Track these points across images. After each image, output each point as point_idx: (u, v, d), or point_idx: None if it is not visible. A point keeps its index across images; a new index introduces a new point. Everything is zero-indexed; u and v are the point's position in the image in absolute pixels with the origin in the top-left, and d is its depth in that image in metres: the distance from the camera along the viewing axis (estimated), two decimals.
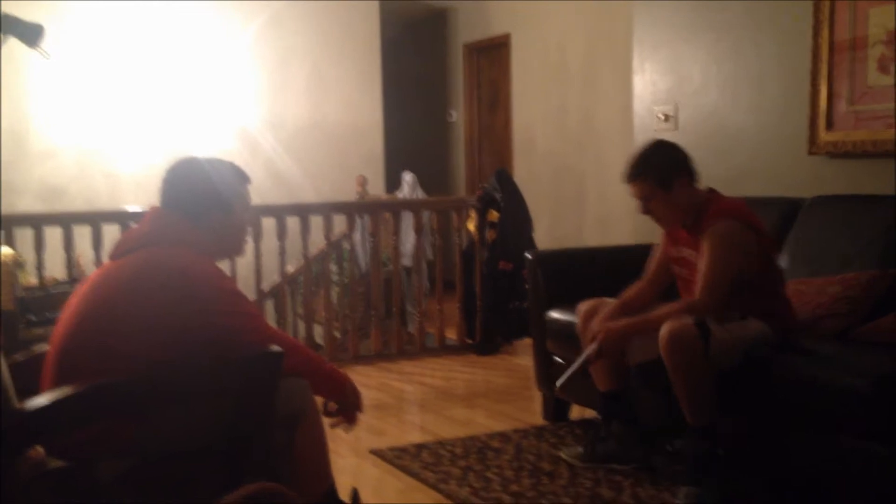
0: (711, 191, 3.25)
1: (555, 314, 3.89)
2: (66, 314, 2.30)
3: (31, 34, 3.92)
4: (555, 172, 7.40)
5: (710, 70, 4.73)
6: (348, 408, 2.51)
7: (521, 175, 7.34)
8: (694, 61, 4.82)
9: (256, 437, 2.16)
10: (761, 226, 3.17)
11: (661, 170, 3.19)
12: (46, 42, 3.97)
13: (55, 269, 5.22)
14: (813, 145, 4.12)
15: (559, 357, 3.91)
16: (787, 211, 3.81)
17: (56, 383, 2.17)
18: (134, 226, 2.44)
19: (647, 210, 3.24)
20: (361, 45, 7.91)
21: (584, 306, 3.46)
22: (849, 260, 3.43)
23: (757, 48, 4.45)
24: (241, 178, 2.52)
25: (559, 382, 3.21)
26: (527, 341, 4.86)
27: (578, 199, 7.12)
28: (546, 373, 4.04)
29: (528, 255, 4.24)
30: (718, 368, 2.94)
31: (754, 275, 3.10)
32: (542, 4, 7.45)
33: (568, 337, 3.63)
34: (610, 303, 3.39)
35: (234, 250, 2.53)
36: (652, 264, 3.46)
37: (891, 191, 3.66)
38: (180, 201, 2.40)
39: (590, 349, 3.17)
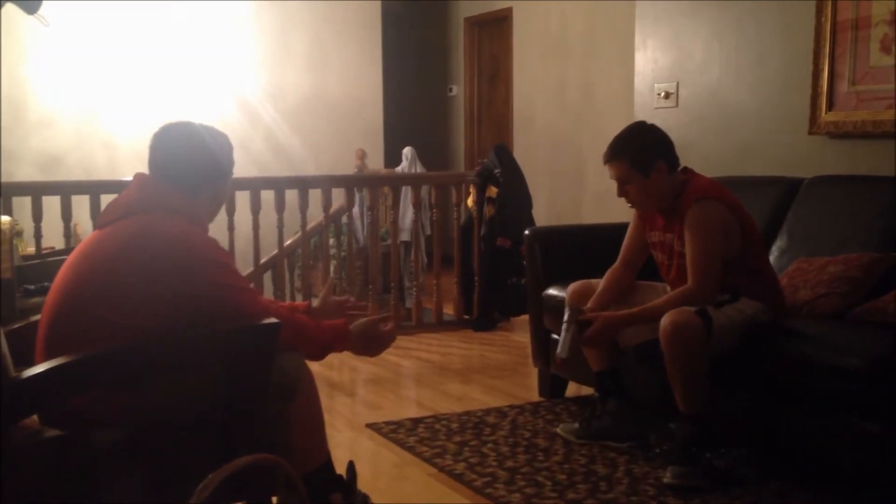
0: (686, 171, 3.24)
1: (552, 291, 3.89)
2: (56, 284, 2.27)
3: (30, 1, 3.89)
4: (554, 148, 7.38)
5: (711, 47, 4.71)
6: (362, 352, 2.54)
7: (521, 150, 7.33)
8: (696, 38, 4.80)
9: (252, 408, 2.17)
10: (738, 204, 3.17)
11: (640, 153, 3.17)
12: (45, 9, 3.95)
13: (53, 238, 5.22)
14: (814, 125, 4.10)
15: (556, 334, 3.92)
16: (787, 190, 3.81)
17: (47, 354, 2.15)
18: (118, 194, 2.37)
19: (623, 193, 3.23)
20: (362, 17, 7.87)
21: (572, 288, 3.47)
22: (846, 240, 3.43)
23: (759, 27, 4.42)
24: (231, 147, 2.47)
25: (559, 353, 3.20)
26: (524, 318, 4.87)
27: (577, 175, 7.11)
28: (543, 349, 4.05)
29: (527, 232, 4.24)
30: (716, 352, 2.94)
31: (738, 253, 3.10)
32: None
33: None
34: (598, 284, 3.39)
35: (211, 220, 2.45)
36: (626, 245, 3.45)
37: (891, 172, 3.65)
38: (174, 169, 2.32)
39: (577, 324, 3.18)
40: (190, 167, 2.34)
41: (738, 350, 2.99)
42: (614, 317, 3.18)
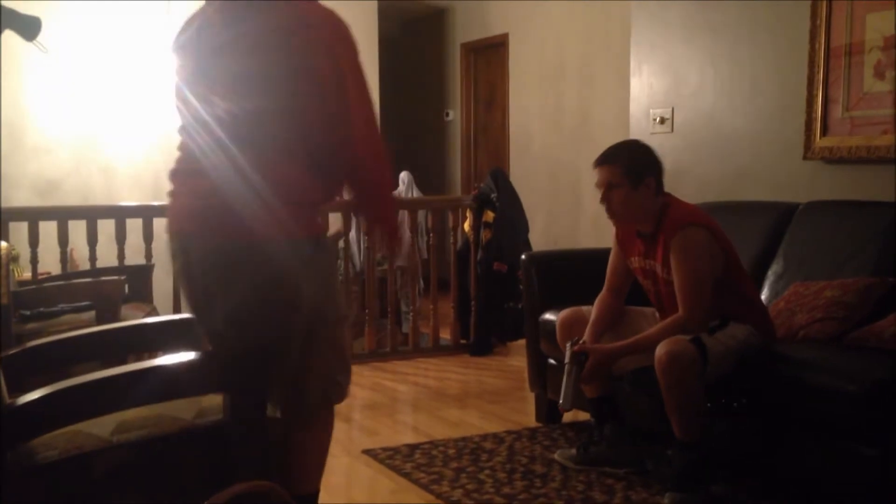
0: (667, 196, 3.24)
1: (549, 316, 3.89)
2: None
3: (28, 27, 3.92)
4: (551, 172, 7.40)
5: (706, 73, 4.74)
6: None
7: (517, 175, 7.35)
8: (690, 64, 4.83)
9: (250, 431, 2.16)
10: (720, 229, 3.18)
11: (634, 162, 3.19)
12: (43, 35, 3.97)
13: (49, 263, 5.21)
14: (808, 150, 4.12)
15: (553, 359, 3.92)
16: (782, 215, 3.82)
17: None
18: None
19: (606, 198, 3.21)
20: (359, 42, 7.89)
21: (562, 316, 3.47)
22: (842, 264, 3.44)
23: (753, 52, 4.46)
24: None
25: (562, 404, 3.20)
26: (521, 342, 4.86)
27: (574, 199, 7.13)
28: (540, 374, 4.04)
29: (523, 257, 4.24)
30: (712, 379, 2.94)
31: (721, 277, 3.10)
32: (539, 5, 7.46)
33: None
34: (588, 311, 3.40)
35: None
36: (610, 272, 3.44)
37: (886, 197, 3.67)
38: None
39: (578, 365, 3.18)
40: None
41: (733, 376, 2.99)
42: (608, 350, 3.17)
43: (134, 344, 2.72)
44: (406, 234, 6.00)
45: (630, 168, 3.16)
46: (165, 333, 2.61)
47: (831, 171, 4.07)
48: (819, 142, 4.08)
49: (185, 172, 2.29)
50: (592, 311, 3.39)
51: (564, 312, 3.48)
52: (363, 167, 2.31)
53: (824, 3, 4.02)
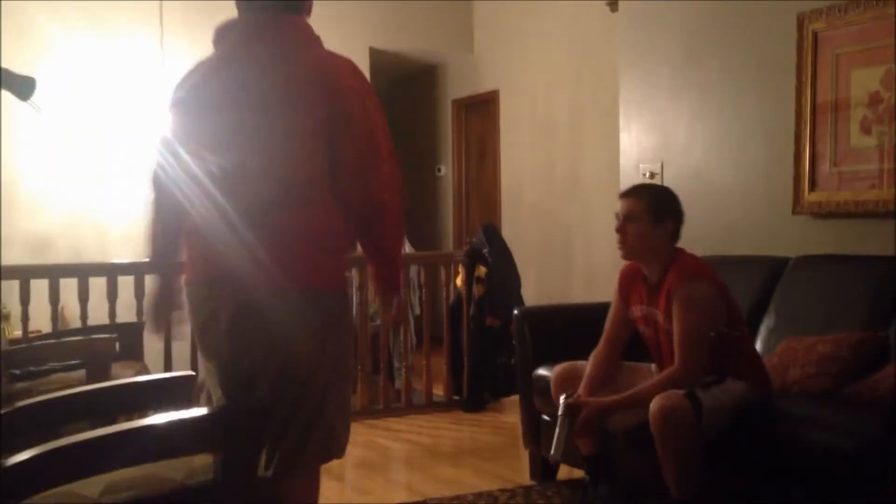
0: (680, 248, 3.28)
1: (542, 371, 3.88)
2: None
3: (23, 88, 3.95)
4: (542, 227, 7.43)
5: (695, 130, 4.79)
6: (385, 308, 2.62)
7: (509, 229, 7.38)
8: (678, 120, 4.88)
9: (241, 492, 2.14)
10: (725, 285, 3.20)
11: (658, 201, 3.26)
12: (37, 94, 4.00)
13: (40, 321, 5.19)
14: (797, 205, 4.16)
15: (547, 415, 3.89)
16: (773, 270, 3.83)
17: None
18: None
19: (622, 229, 3.25)
20: None
21: (557, 371, 3.47)
22: (834, 319, 3.45)
23: (740, 108, 4.51)
24: None
25: (553, 455, 3.19)
26: (514, 398, 4.84)
27: (566, 253, 7.14)
28: (534, 431, 4.01)
29: (516, 312, 4.24)
30: (708, 435, 2.93)
31: (725, 333, 3.11)
32: (529, 62, 7.55)
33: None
34: (582, 367, 3.39)
35: None
36: (609, 324, 3.45)
37: (875, 250, 3.69)
38: None
39: (571, 418, 3.17)
40: None
41: (729, 432, 2.98)
42: (603, 403, 3.16)
43: (124, 403, 2.70)
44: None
45: (652, 205, 3.23)
46: (156, 392, 2.59)
47: (820, 226, 4.10)
48: (808, 196, 4.11)
49: (209, 225, 2.34)
50: (588, 365, 3.39)
51: (559, 367, 3.47)
52: (381, 211, 2.43)
53: (809, 61, 4.08)
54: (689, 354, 3.03)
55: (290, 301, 2.26)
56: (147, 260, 2.64)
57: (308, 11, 2.46)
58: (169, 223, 2.56)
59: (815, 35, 4.06)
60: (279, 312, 2.25)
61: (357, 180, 2.35)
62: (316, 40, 2.41)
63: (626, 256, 3.33)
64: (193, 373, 2.59)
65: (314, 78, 2.31)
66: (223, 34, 2.43)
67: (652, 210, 3.21)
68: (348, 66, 2.36)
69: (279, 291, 2.26)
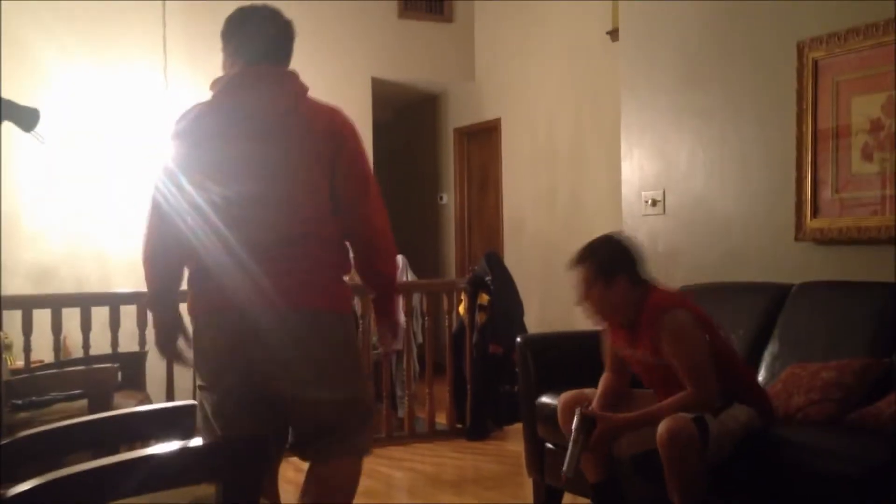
0: (646, 284, 3.23)
1: (545, 399, 3.87)
2: None
3: (27, 118, 3.96)
4: (544, 254, 7.43)
5: (696, 157, 4.80)
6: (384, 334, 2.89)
7: (511, 257, 7.38)
8: (681, 148, 4.89)
9: None
10: (702, 313, 3.18)
11: (605, 261, 3.19)
12: (39, 124, 4.01)
13: (43, 351, 5.18)
14: (799, 232, 4.16)
15: (550, 443, 3.88)
16: (775, 297, 3.83)
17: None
18: None
19: (583, 299, 3.23)
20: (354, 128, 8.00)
21: (564, 399, 3.44)
22: (837, 346, 3.44)
23: (741, 135, 4.52)
24: None
25: (565, 471, 3.16)
26: (517, 426, 4.81)
27: (568, 281, 7.10)
28: (537, 459, 3.99)
29: (519, 339, 4.23)
30: (713, 461, 2.91)
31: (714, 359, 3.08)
32: (530, 90, 7.59)
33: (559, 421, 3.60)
34: (591, 394, 3.37)
35: None
36: (609, 356, 3.43)
37: (877, 277, 3.68)
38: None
39: (586, 433, 3.14)
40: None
41: (733, 458, 2.96)
42: (618, 420, 3.13)
43: (126, 433, 2.69)
44: (401, 317, 5.99)
45: (600, 267, 3.18)
46: (158, 422, 2.58)
47: (823, 252, 4.10)
48: (810, 223, 4.11)
49: (230, 255, 2.50)
50: (599, 386, 3.37)
51: (566, 395, 3.44)
52: (377, 236, 2.69)
53: (810, 88, 4.10)
54: (700, 380, 3.01)
55: (321, 319, 2.56)
56: (147, 290, 2.72)
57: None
58: (172, 252, 2.64)
59: (816, 62, 4.08)
60: (319, 327, 2.55)
61: (356, 209, 2.62)
62: (307, 89, 2.65)
63: (600, 322, 3.33)
64: (196, 402, 2.58)
65: (317, 117, 2.58)
66: (222, 81, 2.63)
67: (601, 273, 3.17)
68: (340, 111, 2.66)
69: (311, 312, 2.53)
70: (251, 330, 2.50)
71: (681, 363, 3.05)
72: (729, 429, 2.97)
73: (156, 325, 2.78)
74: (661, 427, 2.89)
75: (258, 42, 2.60)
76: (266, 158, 2.51)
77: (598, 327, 3.36)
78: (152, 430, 2.64)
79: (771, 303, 3.81)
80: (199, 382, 2.69)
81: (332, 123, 2.59)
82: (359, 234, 2.66)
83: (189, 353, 2.76)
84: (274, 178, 2.51)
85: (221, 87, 2.61)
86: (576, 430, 3.14)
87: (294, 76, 2.64)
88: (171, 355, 2.78)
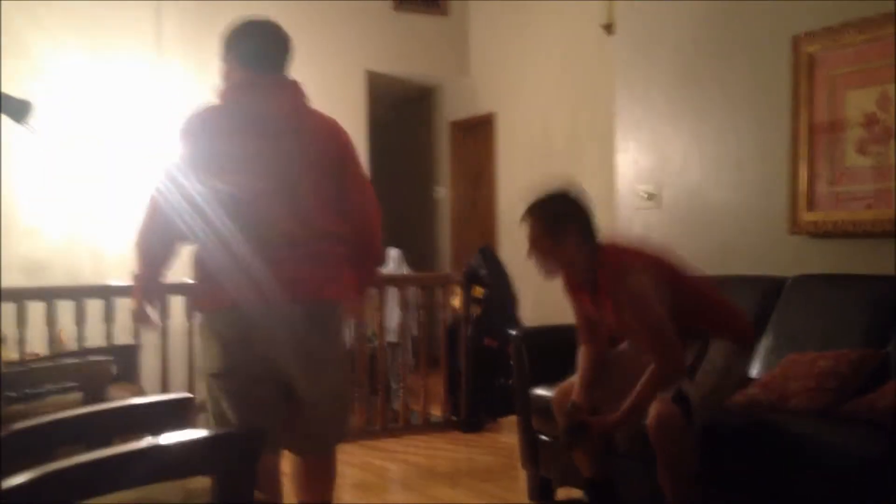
0: (596, 244, 3.16)
1: (540, 391, 3.87)
2: None
3: (19, 110, 3.94)
4: None
5: (691, 150, 4.80)
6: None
7: (506, 250, 7.37)
8: (676, 141, 4.89)
9: None
10: (658, 262, 3.14)
11: (553, 214, 3.14)
12: (34, 117, 3.99)
13: (37, 344, 5.17)
14: (794, 225, 4.17)
15: (545, 435, 3.88)
16: (770, 290, 3.84)
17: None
18: None
19: (531, 254, 3.19)
20: (349, 122, 7.92)
21: (557, 391, 3.43)
22: (832, 338, 3.45)
23: (737, 130, 4.53)
24: None
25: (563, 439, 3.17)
26: (512, 419, 4.82)
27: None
28: (532, 451, 4.00)
29: (513, 332, 4.23)
30: (706, 423, 2.92)
31: (683, 302, 3.05)
32: (526, 84, 7.58)
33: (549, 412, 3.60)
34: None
35: None
36: (579, 323, 3.37)
37: (872, 270, 3.70)
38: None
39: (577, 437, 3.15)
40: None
41: (731, 446, 2.96)
42: (606, 423, 3.12)
43: (120, 426, 2.69)
44: (396, 310, 5.99)
45: (548, 220, 3.13)
46: (153, 414, 2.58)
47: (818, 246, 4.10)
48: (805, 216, 4.12)
49: (243, 249, 2.61)
50: (578, 368, 3.32)
51: (559, 387, 3.43)
52: (373, 231, 2.88)
53: (805, 82, 4.10)
54: (662, 347, 2.96)
55: (324, 309, 2.71)
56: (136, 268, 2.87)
57: None
58: (164, 238, 2.77)
59: (811, 57, 4.09)
60: (321, 318, 2.70)
61: (358, 203, 2.82)
62: (308, 97, 2.84)
63: (546, 277, 3.27)
64: (191, 395, 2.58)
65: (320, 122, 2.81)
66: (230, 86, 2.77)
67: (549, 226, 3.12)
68: (336, 121, 2.88)
69: (320, 302, 2.69)
70: (260, 324, 2.61)
71: (642, 332, 3.02)
72: (710, 384, 2.96)
73: (136, 294, 2.88)
74: (651, 414, 2.89)
75: (262, 53, 2.76)
76: (275, 156, 2.65)
77: (547, 279, 3.29)
78: (146, 423, 2.63)
79: (766, 296, 3.82)
80: (211, 371, 2.75)
81: (333, 129, 2.82)
82: (357, 229, 2.80)
83: (157, 319, 3.03)
84: (282, 175, 2.65)
85: (230, 92, 2.74)
86: (566, 434, 3.14)
87: (298, 85, 2.80)
88: (144, 320, 2.94)
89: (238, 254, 2.60)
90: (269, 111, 2.71)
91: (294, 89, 2.80)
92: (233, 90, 2.75)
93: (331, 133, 2.81)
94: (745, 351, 3.10)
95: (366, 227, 2.84)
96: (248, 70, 2.74)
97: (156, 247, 2.80)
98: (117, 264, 6.51)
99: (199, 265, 2.72)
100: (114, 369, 4.03)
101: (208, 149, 2.67)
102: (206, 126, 2.71)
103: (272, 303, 2.59)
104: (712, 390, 2.97)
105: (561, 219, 3.14)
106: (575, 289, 3.30)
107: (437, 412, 5.88)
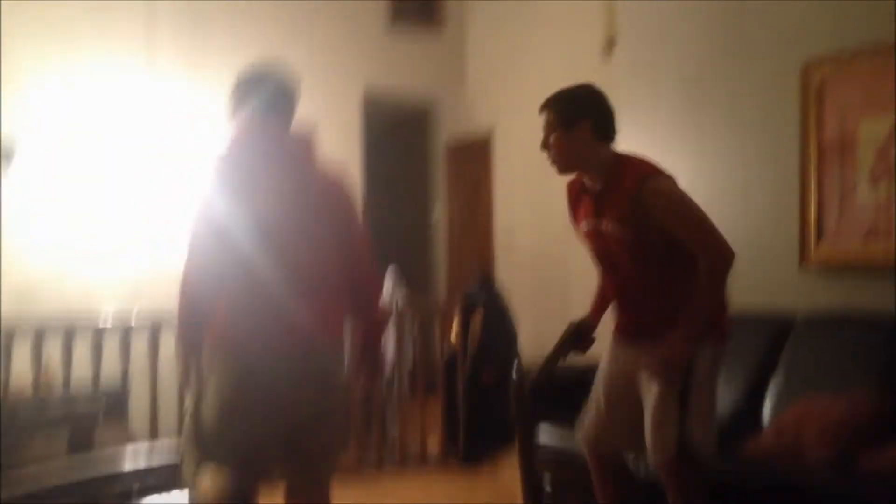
0: (617, 154, 3.04)
1: (542, 435, 3.77)
2: None
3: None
4: (537, 271, 7.32)
5: (696, 177, 4.67)
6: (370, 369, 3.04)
7: (503, 274, 7.28)
8: (679, 167, 4.76)
9: None
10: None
11: (568, 104, 3.02)
12: (21, 146, 3.90)
13: (24, 377, 5.03)
14: (803, 257, 4.07)
15: (545, 472, 3.79)
16: (779, 330, 3.73)
17: None
18: None
19: (545, 144, 3.05)
20: (343, 145, 7.87)
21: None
22: (845, 380, 3.35)
23: (744, 158, 4.43)
24: None
25: (535, 379, 3.09)
26: (512, 455, 4.70)
27: (562, 300, 7.00)
28: (535, 494, 3.89)
29: (514, 370, 4.13)
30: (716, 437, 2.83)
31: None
32: (524, 102, 7.44)
33: (555, 453, 3.56)
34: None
35: None
36: (595, 257, 3.24)
37: (883, 305, 3.59)
38: None
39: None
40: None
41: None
42: (677, 348, 2.83)
43: (110, 491, 2.60)
44: (391, 342, 5.87)
45: (564, 110, 3.00)
46: (142, 480, 2.49)
47: (827, 279, 4.01)
48: (814, 249, 4.02)
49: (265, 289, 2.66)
50: (596, 292, 3.29)
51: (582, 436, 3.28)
52: (374, 284, 3.12)
53: (814, 110, 4.01)
54: (710, 241, 2.84)
55: (328, 357, 2.77)
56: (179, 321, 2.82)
57: None
58: (210, 290, 2.71)
59: (821, 84, 3.98)
60: (331, 357, 2.79)
61: (361, 263, 2.90)
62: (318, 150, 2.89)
63: (560, 172, 3.11)
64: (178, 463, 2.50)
65: (329, 179, 2.86)
66: (242, 135, 2.83)
67: (563, 116, 2.99)
68: (342, 177, 2.93)
69: (327, 342, 2.76)
70: (262, 368, 2.64)
71: (687, 232, 2.86)
72: (706, 408, 2.83)
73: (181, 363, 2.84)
74: (658, 461, 2.80)
75: (272, 101, 2.81)
76: (291, 212, 2.71)
77: (560, 176, 3.15)
78: (137, 487, 2.55)
79: (774, 336, 3.71)
80: (213, 404, 2.67)
81: (340, 185, 2.89)
82: (359, 282, 2.90)
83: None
84: (297, 231, 2.71)
85: (244, 140, 2.80)
86: (562, 338, 3.05)
87: (311, 139, 2.86)
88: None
89: (256, 300, 2.66)
90: (284, 166, 2.76)
91: (307, 144, 2.85)
92: (238, 146, 2.81)
93: (338, 191, 2.88)
94: (720, 347, 2.95)
95: (366, 280, 2.94)
96: (254, 125, 2.80)
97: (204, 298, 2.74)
98: (107, 293, 6.40)
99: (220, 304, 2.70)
100: (101, 414, 3.94)
101: (237, 197, 2.71)
102: (232, 173, 2.78)
103: (277, 350, 2.63)
104: (701, 412, 2.84)
105: (577, 110, 3.00)
106: (576, 198, 3.15)
107: (434, 446, 5.73)
